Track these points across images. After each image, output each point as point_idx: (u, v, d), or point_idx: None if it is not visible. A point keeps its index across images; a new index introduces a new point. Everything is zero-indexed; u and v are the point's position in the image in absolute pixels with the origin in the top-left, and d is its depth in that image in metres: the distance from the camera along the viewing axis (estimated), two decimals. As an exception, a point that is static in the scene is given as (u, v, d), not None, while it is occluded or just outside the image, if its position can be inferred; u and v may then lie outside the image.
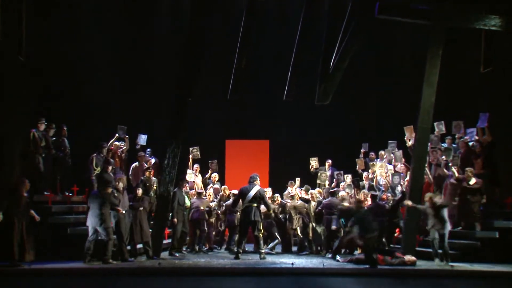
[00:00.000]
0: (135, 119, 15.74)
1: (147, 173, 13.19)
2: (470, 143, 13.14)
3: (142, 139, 14.41)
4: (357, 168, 14.90)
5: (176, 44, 15.60)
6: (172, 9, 17.10)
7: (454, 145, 13.73)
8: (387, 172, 13.88)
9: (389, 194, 13.01)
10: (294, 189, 13.90)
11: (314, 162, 15.38)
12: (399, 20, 12.52)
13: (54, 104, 14.85)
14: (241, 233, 12.40)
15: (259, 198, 12.13)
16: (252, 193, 12.03)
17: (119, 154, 13.78)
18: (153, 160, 14.53)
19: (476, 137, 12.82)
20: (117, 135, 13.73)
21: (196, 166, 14.65)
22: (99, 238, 11.03)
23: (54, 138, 13.01)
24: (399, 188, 13.16)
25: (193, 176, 14.28)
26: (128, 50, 16.52)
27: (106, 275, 10.39)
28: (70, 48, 15.59)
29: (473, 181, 12.07)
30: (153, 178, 13.25)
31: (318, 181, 14.49)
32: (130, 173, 13.95)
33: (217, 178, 14.77)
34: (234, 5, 15.88)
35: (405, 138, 13.91)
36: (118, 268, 10.71)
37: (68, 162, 13.12)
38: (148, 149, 14.76)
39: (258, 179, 12.35)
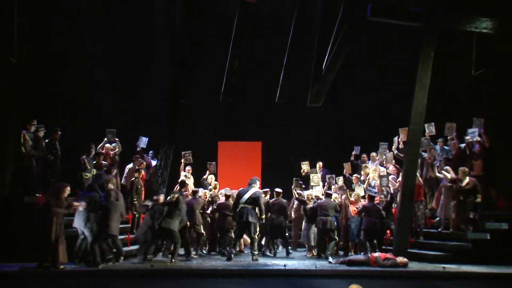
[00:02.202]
0: (135, 121, 15.78)
1: (136, 174, 13.16)
2: (462, 145, 13.21)
3: (143, 141, 14.38)
4: (344, 172, 14.94)
5: (170, 46, 15.63)
6: (167, 12, 17.09)
7: (446, 147, 13.80)
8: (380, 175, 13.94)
9: (382, 196, 13.03)
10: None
11: (305, 166, 15.46)
12: (391, 22, 12.57)
13: (50, 106, 14.91)
14: (236, 234, 12.39)
15: (255, 199, 12.10)
16: (247, 195, 12.03)
17: (111, 155, 13.74)
18: (154, 162, 14.50)
19: (478, 138, 12.85)
20: (105, 139, 13.72)
21: (188, 168, 14.65)
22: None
23: (47, 140, 12.98)
24: (391, 189, 13.21)
25: (186, 178, 14.29)
26: (124, 52, 16.51)
27: (98, 277, 10.36)
28: (66, 49, 15.62)
29: (465, 181, 12.11)
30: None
31: (311, 184, 14.51)
32: (124, 174, 13.94)
33: (213, 180, 14.70)
34: (226, 7, 15.88)
35: (399, 139, 13.97)
36: (111, 270, 10.68)
37: (58, 164, 13.11)
38: (151, 151, 14.74)
39: (258, 182, 12.35)
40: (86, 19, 16.01)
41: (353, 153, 15.48)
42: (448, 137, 13.61)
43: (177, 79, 12.20)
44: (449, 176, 12.38)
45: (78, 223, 10.95)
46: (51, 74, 15.25)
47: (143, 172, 13.78)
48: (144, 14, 16.89)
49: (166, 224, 11.50)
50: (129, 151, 14.38)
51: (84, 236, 10.97)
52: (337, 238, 12.91)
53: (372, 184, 13.91)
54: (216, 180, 14.69)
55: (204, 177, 14.73)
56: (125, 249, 12.28)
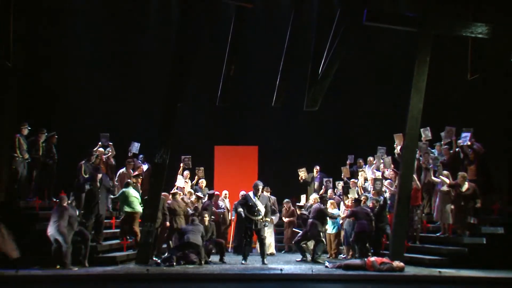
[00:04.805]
0: (129, 126, 15.79)
1: (133, 180, 13.12)
2: (457, 149, 13.22)
3: (135, 147, 14.43)
4: (342, 176, 15.02)
5: (166, 50, 15.64)
6: (162, 14, 17.12)
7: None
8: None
9: (373, 201, 13.03)
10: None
11: (302, 173, 15.60)
12: (386, 27, 12.62)
13: (46, 110, 14.91)
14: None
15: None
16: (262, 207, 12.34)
17: (104, 160, 13.73)
18: (145, 167, 14.50)
19: (469, 142, 12.85)
20: (100, 143, 13.73)
21: (186, 172, 14.70)
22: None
23: (44, 144, 12.98)
24: (387, 194, 13.23)
25: (183, 182, 14.33)
26: (120, 56, 16.56)
27: (92, 281, 10.36)
28: (62, 53, 15.67)
29: (465, 187, 12.09)
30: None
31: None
32: (116, 178, 13.93)
33: (204, 184, 14.80)
34: (223, 12, 15.94)
35: (395, 145, 14.00)
36: (106, 274, 10.65)
37: (54, 169, 13.11)
38: (141, 155, 14.76)
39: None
40: (84, 23, 16.04)
41: (347, 162, 15.53)
42: (442, 142, 13.62)
43: (173, 83, 12.18)
44: (447, 181, 12.37)
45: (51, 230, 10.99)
46: (47, 78, 15.29)
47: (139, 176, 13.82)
48: (140, 18, 16.92)
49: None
50: (124, 156, 14.39)
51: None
52: (324, 240, 13.02)
53: (369, 189, 13.93)
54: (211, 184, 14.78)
55: (193, 182, 14.81)
56: (120, 253, 12.31)
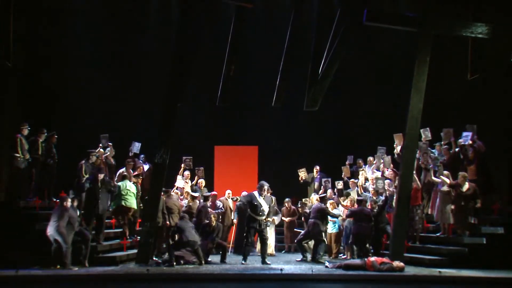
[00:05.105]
0: (129, 126, 15.79)
1: (134, 180, 13.11)
2: (457, 149, 13.21)
3: (136, 147, 14.41)
4: (342, 176, 15.03)
5: (166, 50, 15.66)
6: (162, 14, 17.13)
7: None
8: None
9: (371, 201, 13.02)
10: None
11: (302, 173, 15.60)
12: (386, 27, 12.62)
13: (46, 110, 14.91)
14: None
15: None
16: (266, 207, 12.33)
17: (103, 160, 13.75)
18: (146, 167, 14.50)
19: (470, 142, 12.84)
20: (100, 144, 13.75)
21: (186, 173, 14.69)
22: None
23: (43, 145, 13.00)
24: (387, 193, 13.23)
25: (183, 182, 14.32)
26: (120, 56, 16.56)
27: (92, 281, 10.37)
28: (62, 53, 15.68)
29: (466, 187, 12.08)
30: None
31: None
32: (116, 179, 13.92)
33: (203, 184, 14.81)
34: (223, 12, 15.94)
35: (394, 145, 14.01)
36: (106, 274, 10.66)
37: (55, 169, 13.12)
38: (142, 155, 14.75)
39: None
40: (84, 23, 16.06)
41: (346, 162, 15.53)
42: (442, 142, 13.61)
43: (173, 83, 12.18)
44: (448, 181, 12.35)
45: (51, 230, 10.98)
46: (47, 78, 15.32)
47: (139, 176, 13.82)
48: (140, 18, 16.93)
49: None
50: (125, 156, 14.38)
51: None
52: (325, 240, 13.03)
53: (369, 189, 13.93)
54: (211, 184, 14.79)
55: (193, 182, 14.81)
56: (120, 253, 12.31)
